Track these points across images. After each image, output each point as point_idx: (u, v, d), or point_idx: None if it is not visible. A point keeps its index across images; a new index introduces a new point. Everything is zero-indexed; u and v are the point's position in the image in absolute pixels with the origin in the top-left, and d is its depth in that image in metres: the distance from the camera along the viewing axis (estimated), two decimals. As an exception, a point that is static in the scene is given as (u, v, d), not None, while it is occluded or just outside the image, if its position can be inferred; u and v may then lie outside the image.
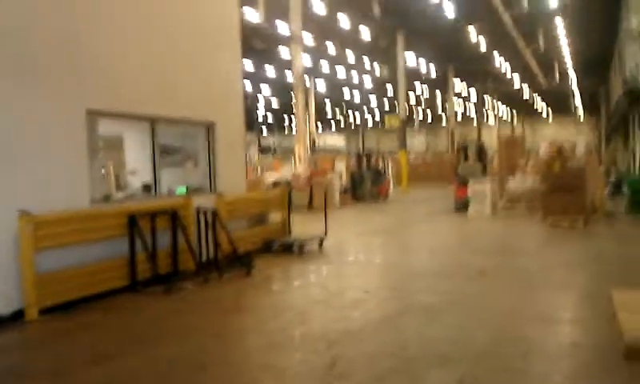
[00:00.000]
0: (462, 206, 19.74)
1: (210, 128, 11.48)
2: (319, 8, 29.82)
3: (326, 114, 75.07)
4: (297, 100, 24.29)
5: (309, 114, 46.17)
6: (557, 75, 48.68)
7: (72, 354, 6.20)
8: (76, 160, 8.43)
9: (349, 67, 47.49)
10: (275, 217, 13.40)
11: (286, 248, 12.31)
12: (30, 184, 7.72)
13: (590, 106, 66.03)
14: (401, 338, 6.45)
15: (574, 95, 62.38)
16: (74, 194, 8.33)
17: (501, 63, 46.48)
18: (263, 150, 57.02)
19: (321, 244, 12.63)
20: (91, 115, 8.73)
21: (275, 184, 23.68)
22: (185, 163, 12.03)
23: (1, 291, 7.24)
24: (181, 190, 10.85)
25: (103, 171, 10.58)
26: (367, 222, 18.89)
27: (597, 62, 46.95)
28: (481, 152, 22.22)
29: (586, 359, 5.77)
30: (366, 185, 26.69)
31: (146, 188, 10.55)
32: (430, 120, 77.86)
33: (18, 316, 7.33)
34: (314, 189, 22.25)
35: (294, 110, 26.21)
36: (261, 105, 69.06)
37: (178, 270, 9.61)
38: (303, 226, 14.19)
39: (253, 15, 28.55)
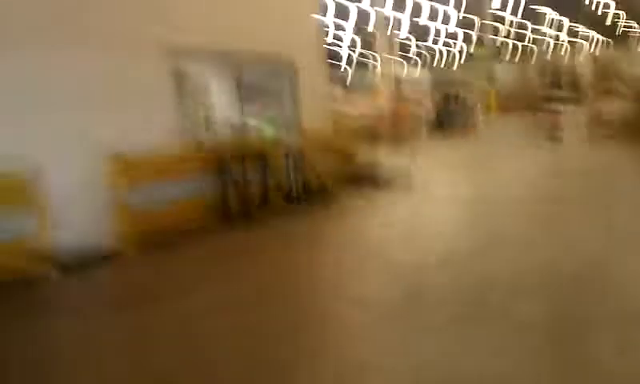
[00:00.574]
0: (556, 134, 19.06)
1: (292, 66, 11.57)
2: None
3: (409, 47, 73.57)
4: (380, 32, 23.93)
5: (392, 50, 45.38)
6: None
7: (163, 285, 6.61)
8: (164, 100, 8.74)
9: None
10: (361, 150, 13.44)
11: (372, 181, 12.36)
12: (123, 127, 8.07)
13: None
14: (488, 268, 6.38)
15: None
16: (166, 134, 8.67)
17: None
18: (348, 86, 56.67)
19: (407, 176, 12.59)
20: (178, 56, 8.97)
21: (361, 118, 23.64)
22: (271, 102, 12.21)
23: (99, 228, 7.71)
24: (268, 128, 11.08)
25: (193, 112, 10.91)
26: (454, 155, 18.57)
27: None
28: (574, 78, 21.33)
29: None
30: (452, 116, 26.19)
31: (235, 128, 10.82)
32: (522, 49, 74.81)
33: (116, 252, 7.83)
34: (400, 122, 22.06)
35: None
36: (346, 42, 68.37)
37: (267, 205, 9.90)
38: (391, 159, 14.08)
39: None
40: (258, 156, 9.79)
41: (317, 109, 12.16)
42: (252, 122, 11.04)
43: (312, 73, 11.99)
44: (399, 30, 47.25)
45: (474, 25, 54.10)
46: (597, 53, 66.82)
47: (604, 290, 5.36)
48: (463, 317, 4.96)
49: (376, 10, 23.82)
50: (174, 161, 8.62)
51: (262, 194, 9.89)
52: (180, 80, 9.31)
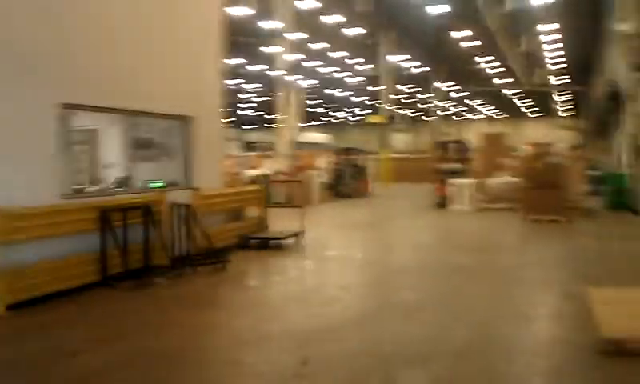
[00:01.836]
0: (442, 203, 19.83)
1: (187, 123, 11.32)
2: (305, 4, 29.59)
3: (310, 110, 74.94)
4: (279, 96, 24.12)
5: (292, 111, 45.95)
6: (540, 76, 48.79)
7: (41, 349, 6.06)
8: (47, 154, 8.29)
9: (334, 64, 47.30)
10: (253, 212, 13.30)
11: (262, 243, 12.22)
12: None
13: (574, 106, 66.47)
14: (376, 336, 6.37)
15: (556, 95, 62.64)
16: (44, 189, 8.18)
17: (485, 63, 46.57)
18: (246, 146, 56.63)
19: (298, 239, 12.56)
20: (64, 109, 8.56)
21: (256, 179, 23.58)
22: (162, 157, 11.88)
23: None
24: (156, 184, 10.72)
25: (77, 165, 10.43)
26: (346, 218, 18.82)
27: (580, 63, 47.24)
28: (462, 150, 22.29)
29: (564, 356, 5.73)
30: (346, 181, 26.64)
31: (121, 182, 10.42)
32: (413, 118, 77.90)
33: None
34: (295, 185, 22.10)
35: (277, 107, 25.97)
36: (245, 101, 68.71)
37: (151, 264, 9.47)
38: (282, 222, 14.10)
39: (239, 11, 28.31)
40: (144, 213, 9.41)
41: (211, 168, 11.91)
42: (143, 177, 10.66)
43: (209, 132, 11.74)
44: (302, 93, 48.13)
45: (373, 92, 55.94)
46: (488, 127, 70.88)
47: (488, 363, 5.43)
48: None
49: (280, 74, 24.00)
50: (52, 216, 8.09)
51: (147, 252, 9.47)
52: (67, 134, 8.86)
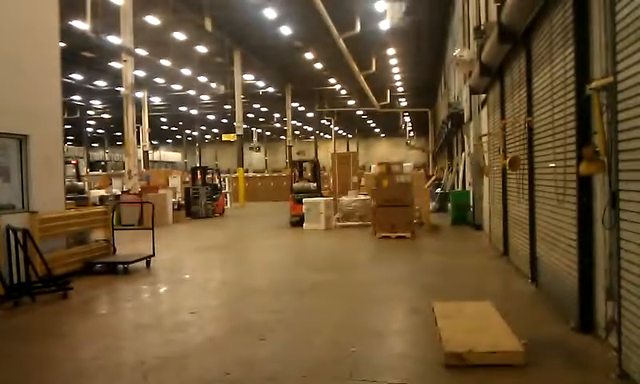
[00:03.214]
0: (297, 221, 19.97)
1: (22, 141, 10.48)
2: (153, 21, 28.83)
3: (163, 128, 73.23)
4: (126, 113, 23.25)
5: (142, 128, 44.66)
6: (389, 97, 50.86)
7: None
8: None
9: (186, 82, 46.53)
10: (99, 235, 12.60)
11: (109, 268, 11.61)
12: None
13: (420, 127, 70.05)
14: (226, 360, 6.13)
15: (404, 116, 65.65)
16: None
17: (336, 84, 47.85)
18: (92, 165, 54.30)
19: (148, 263, 12.06)
20: None
21: (102, 200, 22.57)
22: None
23: None
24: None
25: None
26: (200, 239, 18.41)
27: (425, 86, 49.93)
28: (315, 169, 22.61)
29: (410, 370, 5.80)
30: (201, 200, 26.16)
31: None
32: (268, 137, 78.49)
33: None
34: (145, 205, 21.35)
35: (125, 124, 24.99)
36: (92, 117, 65.86)
37: (-19, 295, 8.65)
38: (133, 244, 13.50)
39: (82, 25, 27.01)
40: (-28, 239, 8.59)
41: (51, 189, 11.13)
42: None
43: (47, 151, 10.96)
44: (151, 111, 46.87)
45: (228, 110, 55.56)
46: (341, 145, 72.79)
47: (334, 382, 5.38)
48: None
49: (126, 90, 23.12)
50: None
51: (-24, 281, 8.64)
52: None
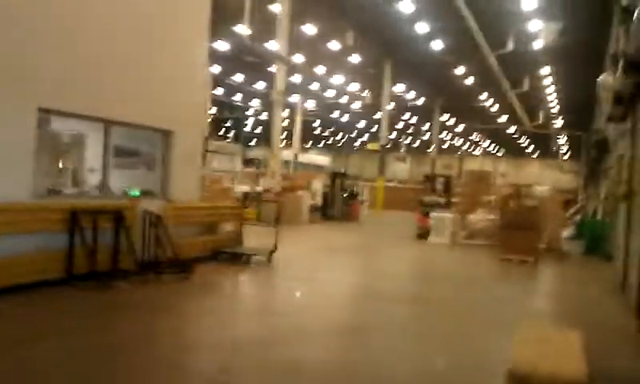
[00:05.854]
0: (423, 234, 20.23)
1: (167, 136, 11.81)
2: (309, 29, 30.23)
3: (313, 133, 75.53)
4: (275, 116, 24.67)
5: (295, 131, 46.53)
6: (541, 117, 49.27)
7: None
8: (21, 155, 8.76)
9: (338, 89, 47.98)
10: (229, 227, 13.71)
11: (233, 258, 12.62)
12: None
13: (575, 149, 66.84)
14: (318, 355, 6.71)
15: (557, 138, 63.07)
16: (16, 187, 8.63)
17: (487, 100, 47.13)
18: (247, 162, 57.16)
19: (270, 257, 12.92)
20: (41, 113, 9.06)
21: (246, 196, 24.03)
22: (141, 166, 12.37)
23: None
24: (134, 192, 11.19)
25: (56, 167, 10.91)
26: (328, 241, 19.22)
27: (582, 108, 47.70)
28: (447, 184, 22.74)
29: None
30: (337, 205, 27.07)
31: (98, 186, 10.88)
32: (415, 147, 78.40)
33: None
34: (284, 204, 22.55)
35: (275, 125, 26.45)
36: (250, 117, 69.36)
37: (117, 268, 9.89)
38: (263, 239, 14.32)
39: (243, 30, 28.93)
40: (115, 218, 9.85)
41: (188, 181, 12.38)
42: (118, 184, 11.12)
43: (188, 146, 12.23)
44: (302, 114, 48.68)
45: (376, 119, 56.39)
46: (490, 163, 71.28)
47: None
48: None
49: (275, 90, 24.56)
50: (20, 213, 8.55)
51: (114, 256, 9.89)
52: (44, 137, 9.33)
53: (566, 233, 21.33)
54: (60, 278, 8.99)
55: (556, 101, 47.00)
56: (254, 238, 13.77)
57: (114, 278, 9.48)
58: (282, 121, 24.97)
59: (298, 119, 47.94)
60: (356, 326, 8.24)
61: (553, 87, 41.72)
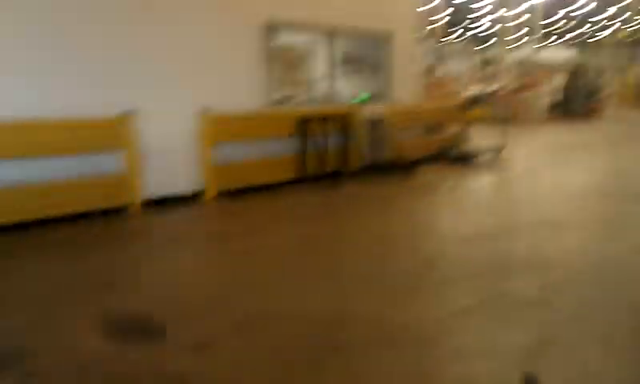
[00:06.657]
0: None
1: (387, 38, 12.10)
2: None
3: (555, 25, 70.38)
4: (510, 13, 23.56)
5: (532, 24, 43.81)
6: None
7: (233, 226, 7.58)
8: (250, 67, 9.64)
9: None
10: (455, 128, 13.77)
11: (459, 158, 12.68)
12: (213, 88, 9.06)
13: None
14: (534, 243, 6.61)
15: None
16: (248, 97, 9.59)
17: None
18: (484, 63, 55.48)
19: (497, 156, 12.73)
20: (266, 26, 9.82)
21: (473, 98, 23.61)
22: (363, 72, 12.82)
23: (186, 175, 8.77)
24: (364, 95, 11.72)
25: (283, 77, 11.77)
26: (564, 139, 18.21)
27: None
28: None
29: None
30: (576, 101, 25.45)
31: (324, 94, 11.55)
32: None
33: (197, 196, 8.88)
34: (517, 103, 21.88)
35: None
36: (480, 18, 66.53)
37: (344, 169, 10.59)
38: (492, 139, 14.01)
39: None
40: (340, 122, 10.47)
41: (408, 83, 12.68)
42: (345, 90, 11.69)
43: (407, 46, 12.49)
44: (538, 9, 45.51)
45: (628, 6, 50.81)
46: None
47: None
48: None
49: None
50: (257, 121, 9.51)
51: (341, 158, 10.57)
52: (270, 48, 10.10)
53: None
54: (293, 179, 9.95)
55: None
56: (483, 139, 13.62)
57: (342, 179, 10.21)
58: (519, 17, 23.65)
59: (531, 14, 44.92)
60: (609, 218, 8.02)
61: None
